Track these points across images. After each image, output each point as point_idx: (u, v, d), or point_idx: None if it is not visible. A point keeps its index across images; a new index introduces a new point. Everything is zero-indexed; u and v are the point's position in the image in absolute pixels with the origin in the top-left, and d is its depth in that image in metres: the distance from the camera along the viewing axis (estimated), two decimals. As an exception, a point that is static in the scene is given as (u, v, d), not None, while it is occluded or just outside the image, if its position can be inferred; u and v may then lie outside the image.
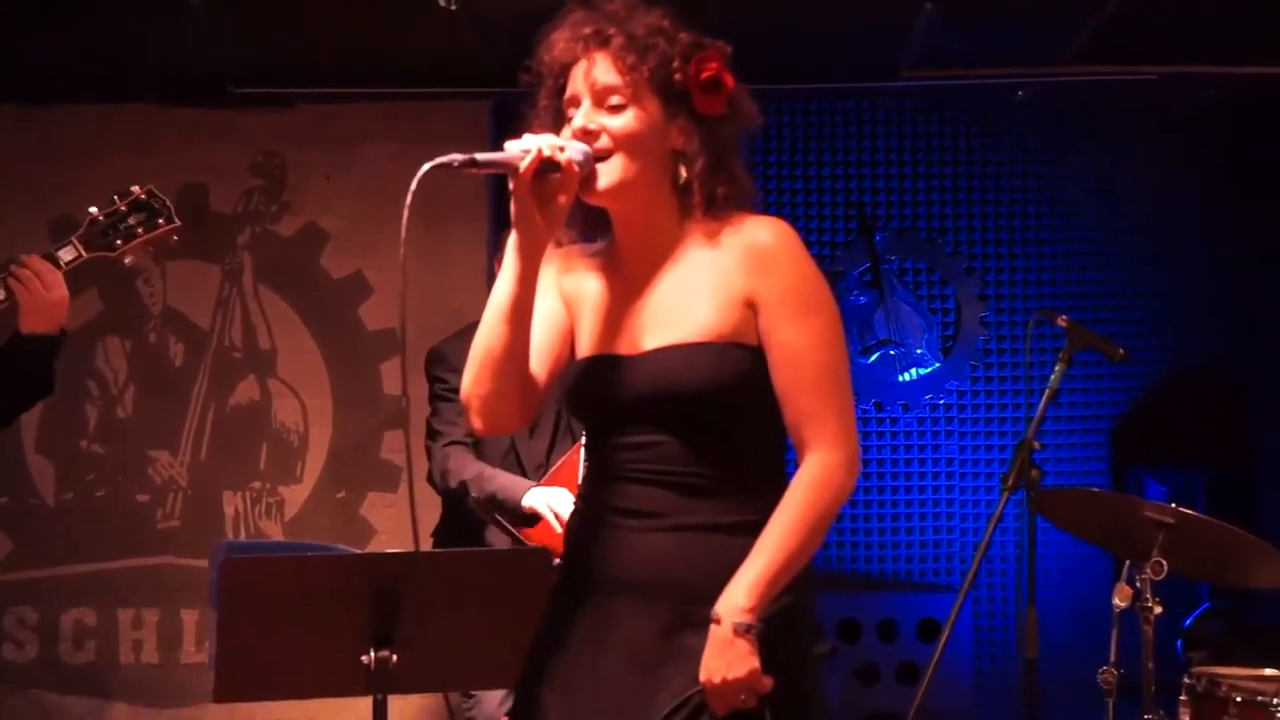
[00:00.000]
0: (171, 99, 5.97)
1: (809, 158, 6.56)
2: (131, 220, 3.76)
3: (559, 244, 2.63)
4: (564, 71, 2.53)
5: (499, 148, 2.46)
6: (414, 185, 2.38)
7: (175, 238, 3.83)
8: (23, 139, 5.99)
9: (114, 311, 6.02)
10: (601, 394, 2.54)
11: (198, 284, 6.06)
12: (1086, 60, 5.70)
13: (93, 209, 3.74)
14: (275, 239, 6.09)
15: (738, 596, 2.40)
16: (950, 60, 5.82)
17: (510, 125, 6.08)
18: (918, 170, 6.58)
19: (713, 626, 2.41)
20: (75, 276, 3.74)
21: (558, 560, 3.32)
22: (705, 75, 2.51)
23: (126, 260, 3.81)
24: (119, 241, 3.75)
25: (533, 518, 4.16)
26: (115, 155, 5.94)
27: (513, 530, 4.17)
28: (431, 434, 4.44)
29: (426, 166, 2.39)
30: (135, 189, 3.79)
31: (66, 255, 3.64)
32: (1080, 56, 5.64)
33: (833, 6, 5.22)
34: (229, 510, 6.00)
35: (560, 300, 2.64)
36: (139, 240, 3.76)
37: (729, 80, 2.53)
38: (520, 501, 4.17)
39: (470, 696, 4.41)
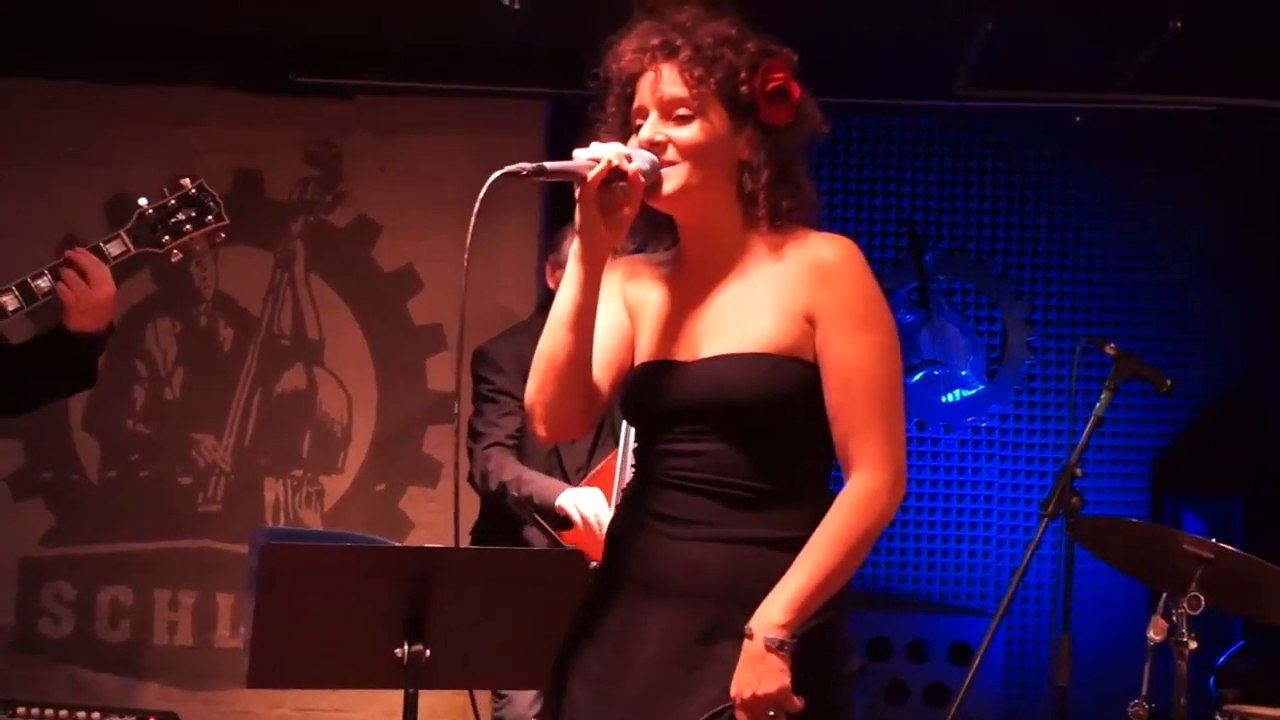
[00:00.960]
0: (231, 82, 6.02)
1: (861, 173, 6.55)
2: (181, 215, 3.77)
3: (619, 252, 2.65)
4: (631, 81, 2.55)
5: (568, 156, 2.48)
6: (483, 193, 2.40)
7: (223, 235, 3.85)
8: (83, 115, 6.04)
9: (166, 294, 6.06)
10: (655, 398, 2.55)
11: (250, 270, 6.10)
12: (1143, 88, 5.68)
13: (142, 201, 3.76)
14: (328, 229, 6.13)
15: (773, 612, 2.41)
16: (1007, 81, 5.81)
17: (566, 124, 6.12)
18: (969, 191, 6.56)
19: (746, 641, 2.41)
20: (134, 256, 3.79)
21: (594, 564, 3.35)
22: (772, 85, 2.52)
23: (173, 257, 3.82)
24: (167, 237, 3.76)
25: (564, 520, 4.17)
26: (173, 136, 5.99)
27: (551, 531, 4.18)
28: (474, 435, 4.46)
29: (496, 175, 2.42)
30: (186, 182, 3.80)
31: (114, 249, 3.65)
32: (1137, 84, 5.62)
33: (891, 21, 5.22)
34: (269, 497, 6.03)
35: (624, 308, 2.66)
36: (186, 237, 3.77)
37: (795, 89, 2.54)
38: (553, 503, 4.18)
39: (501, 696, 4.43)
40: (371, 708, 5.75)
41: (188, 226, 3.78)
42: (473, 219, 2.40)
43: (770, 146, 2.53)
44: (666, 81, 2.51)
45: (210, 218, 3.80)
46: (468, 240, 2.42)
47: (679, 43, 2.52)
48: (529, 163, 2.44)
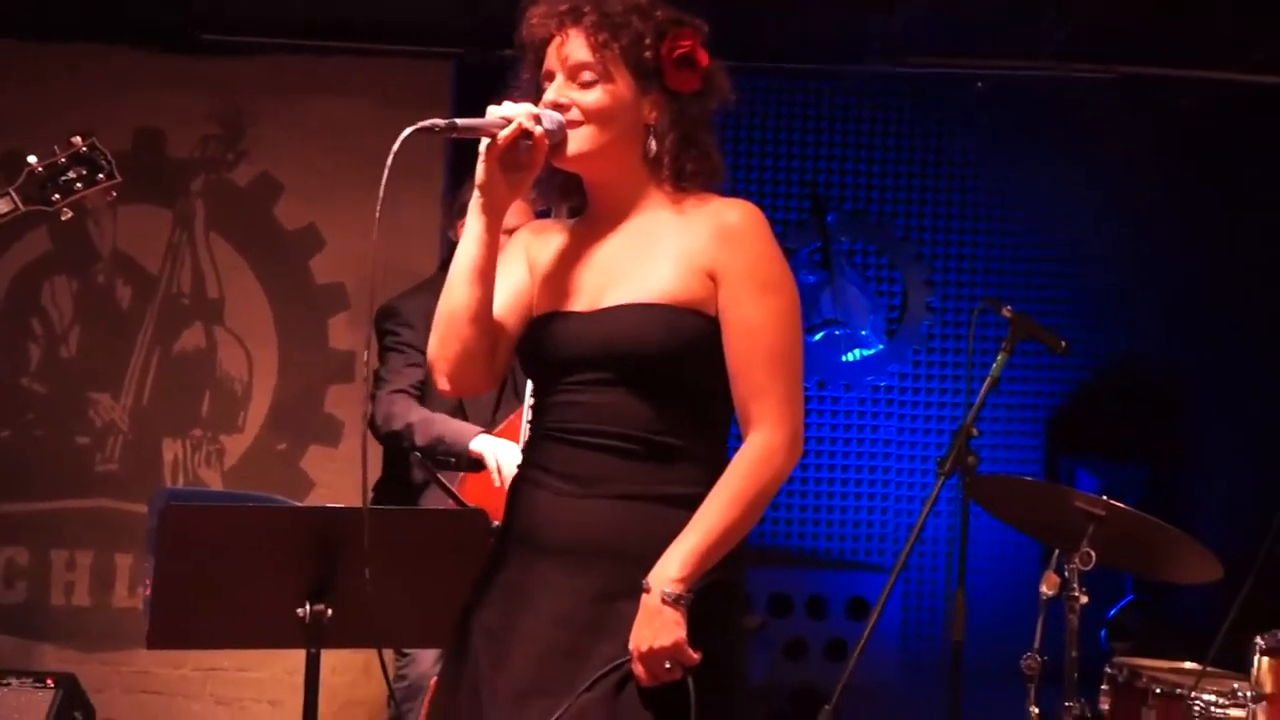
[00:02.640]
0: (135, 41, 5.93)
1: (765, 136, 6.58)
2: (71, 174, 3.73)
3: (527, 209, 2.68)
4: (541, 46, 2.59)
5: (471, 106, 2.50)
6: (395, 148, 2.41)
7: (114, 194, 3.80)
8: (-18, 71, 5.94)
9: (62, 251, 5.98)
10: (553, 348, 2.57)
11: (149, 228, 6.02)
12: (1047, 56, 5.75)
13: (31, 158, 3.71)
14: (229, 187, 6.07)
15: (670, 567, 2.44)
16: (912, 48, 5.86)
17: (472, 85, 6.09)
18: (873, 155, 6.62)
19: (643, 595, 2.44)
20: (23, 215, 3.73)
21: (496, 523, 3.36)
22: (678, 53, 2.56)
23: (64, 215, 3.78)
24: (56, 195, 3.72)
25: (475, 463, 4.14)
26: (74, 94, 5.90)
27: (452, 490, 4.17)
28: (378, 382, 4.43)
29: (409, 130, 2.42)
30: (77, 140, 3.75)
31: (2, 207, 3.61)
32: (1041, 52, 5.69)
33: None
34: (168, 456, 5.98)
35: (527, 268, 2.67)
36: (77, 195, 3.73)
37: (703, 58, 2.58)
38: (468, 445, 4.16)
39: (404, 655, 4.43)
40: (274, 667, 5.74)
41: (78, 185, 3.74)
42: (385, 174, 2.40)
43: (675, 112, 2.57)
44: (571, 46, 2.55)
45: (101, 176, 3.76)
46: (380, 194, 2.42)
47: (586, 8, 2.55)
48: (438, 119, 2.45)
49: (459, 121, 2.47)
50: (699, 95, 2.59)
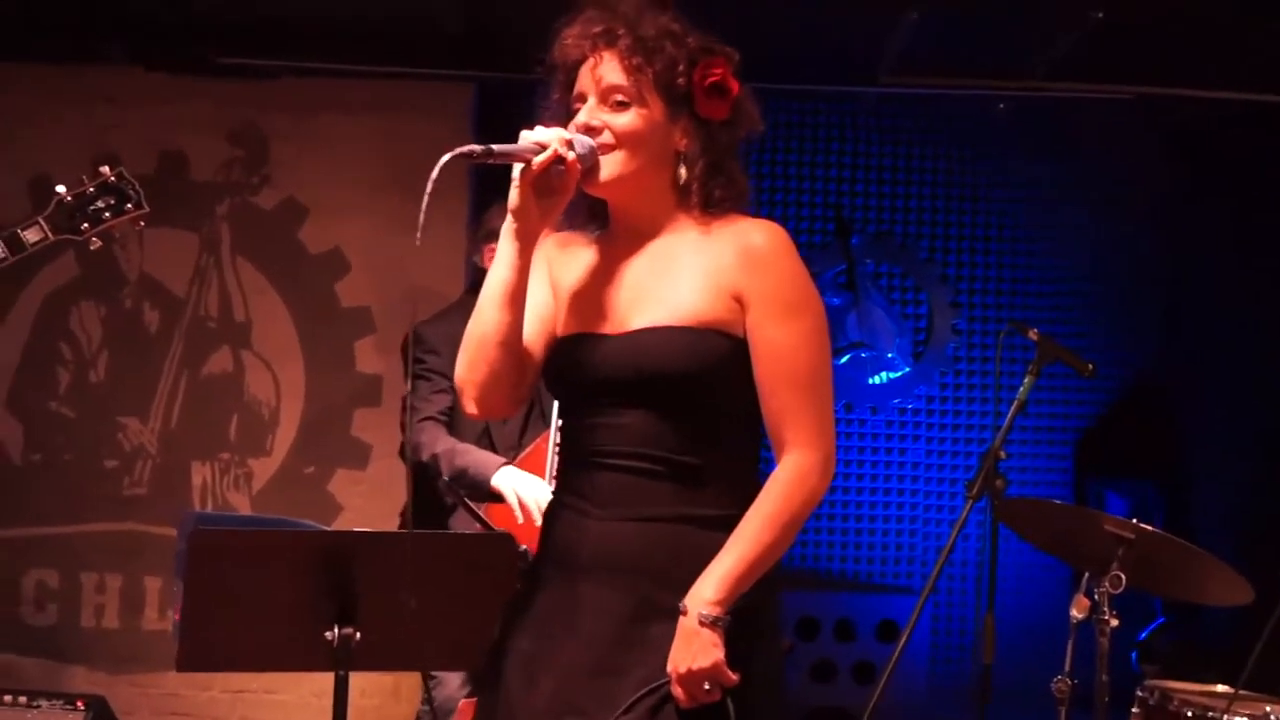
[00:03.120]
0: (154, 63, 5.96)
1: (789, 158, 6.59)
2: (100, 203, 3.75)
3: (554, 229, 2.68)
4: (574, 68, 2.59)
5: (496, 139, 2.51)
6: (434, 174, 2.41)
7: (143, 224, 3.82)
8: (5, 97, 5.96)
9: (90, 276, 6.00)
10: (580, 371, 2.57)
11: (175, 252, 6.05)
12: (1065, 77, 5.75)
13: (61, 188, 3.73)
14: (254, 210, 6.09)
15: (707, 589, 2.45)
16: (931, 69, 5.87)
17: (493, 107, 6.09)
18: (896, 176, 6.62)
19: (681, 617, 2.45)
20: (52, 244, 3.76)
21: (523, 547, 3.36)
22: (710, 81, 2.57)
23: (92, 245, 3.80)
24: (85, 225, 3.74)
25: (497, 496, 4.16)
26: (96, 118, 5.93)
27: (480, 515, 4.18)
28: (410, 411, 4.45)
29: (447, 157, 2.43)
30: (105, 170, 3.77)
31: (32, 236, 3.63)
32: (1059, 73, 5.69)
33: (816, 7, 5.25)
34: (197, 480, 5.99)
35: (549, 287, 2.68)
36: (105, 225, 3.75)
37: (734, 86, 2.59)
38: (490, 480, 4.17)
39: (432, 677, 4.43)
40: (301, 689, 5.74)
41: (107, 215, 3.76)
42: (425, 200, 2.41)
43: (705, 139, 2.58)
44: (606, 68, 2.55)
45: (130, 206, 3.78)
46: (420, 218, 2.43)
47: (620, 31, 2.56)
48: (475, 145, 2.46)
49: (495, 148, 2.48)
50: (728, 123, 2.60)
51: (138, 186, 3.82)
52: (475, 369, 2.59)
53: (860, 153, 6.63)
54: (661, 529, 2.51)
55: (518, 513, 4.03)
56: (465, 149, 2.45)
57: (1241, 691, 3.69)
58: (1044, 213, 6.64)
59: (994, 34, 5.50)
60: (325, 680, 3.18)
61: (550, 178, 2.51)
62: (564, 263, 2.68)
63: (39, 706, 4.76)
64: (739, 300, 2.53)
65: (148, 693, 5.82)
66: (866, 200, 6.64)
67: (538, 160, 2.48)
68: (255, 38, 5.84)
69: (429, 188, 2.41)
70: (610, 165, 2.54)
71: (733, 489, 2.53)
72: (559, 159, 2.49)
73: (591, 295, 2.62)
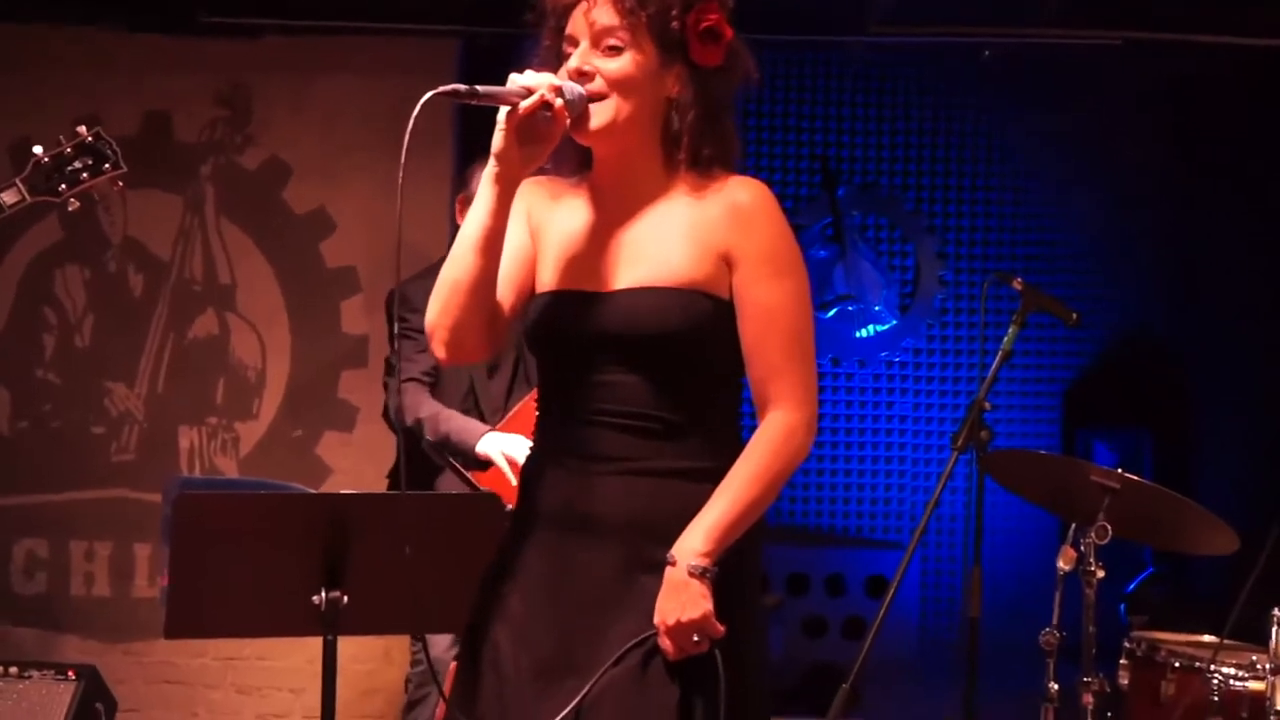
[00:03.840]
0: (138, 24, 5.91)
1: (774, 109, 6.57)
2: (77, 164, 3.73)
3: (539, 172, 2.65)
4: (565, 12, 2.56)
5: (498, 83, 2.47)
6: (416, 111, 2.37)
7: (121, 184, 3.80)
8: (-17, 57, 5.93)
9: (73, 240, 5.97)
10: (567, 329, 2.56)
11: (159, 214, 6.01)
12: (1052, 23, 5.72)
13: (38, 149, 3.71)
14: (238, 171, 6.05)
15: (694, 541, 2.45)
16: (918, 17, 5.83)
17: (478, 63, 6.04)
18: (882, 127, 6.60)
19: (668, 569, 2.45)
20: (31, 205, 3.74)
21: (510, 507, 3.35)
22: (704, 25, 2.53)
23: (70, 205, 3.78)
24: (63, 186, 3.73)
25: (483, 463, 4.16)
26: (79, 79, 5.88)
27: (467, 476, 4.18)
28: (389, 370, 4.44)
29: (429, 94, 2.39)
30: (82, 130, 3.76)
31: (9, 198, 3.62)
32: (1046, 19, 5.66)
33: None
34: (184, 445, 5.98)
35: (528, 231, 2.65)
36: (83, 186, 3.74)
37: (728, 31, 2.56)
38: (474, 447, 4.17)
39: (419, 639, 4.44)
40: (293, 655, 5.75)
41: (84, 175, 3.75)
42: (406, 138, 2.36)
43: (698, 87, 2.54)
44: (598, 12, 2.51)
45: (107, 165, 3.77)
46: (403, 158, 2.39)
47: None
48: (459, 85, 2.42)
49: (480, 89, 2.43)
50: (722, 70, 2.57)
51: (115, 146, 3.81)
52: (447, 313, 2.57)
53: (846, 103, 6.61)
54: (648, 483, 2.51)
55: (510, 475, 4.03)
56: (449, 87, 2.41)
57: (1227, 641, 3.71)
58: (1031, 163, 6.63)
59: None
60: (317, 645, 3.19)
61: (536, 123, 2.47)
62: (546, 212, 2.66)
63: (30, 677, 4.76)
64: (725, 259, 2.53)
65: (140, 661, 5.83)
66: (853, 152, 6.62)
67: (524, 105, 2.44)
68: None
69: (410, 125, 2.36)
70: (601, 113, 2.52)
71: (717, 444, 2.54)
72: (546, 105, 2.46)
73: (576, 250, 2.60)
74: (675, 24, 2.52)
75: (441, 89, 2.40)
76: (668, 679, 2.45)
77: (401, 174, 2.42)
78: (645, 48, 2.52)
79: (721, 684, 2.44)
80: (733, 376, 2.57)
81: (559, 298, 2.59)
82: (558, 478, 2.56)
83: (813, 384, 2.56)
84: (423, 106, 2.37)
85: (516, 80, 2.46)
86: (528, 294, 2.64)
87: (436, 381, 4.39)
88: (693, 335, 2.50)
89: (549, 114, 2.47)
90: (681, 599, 2.43)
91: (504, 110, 2.46)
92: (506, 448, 4.09)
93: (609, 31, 2.51)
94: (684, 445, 2.52)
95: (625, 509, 2.50)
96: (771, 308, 2.52)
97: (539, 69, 2.52)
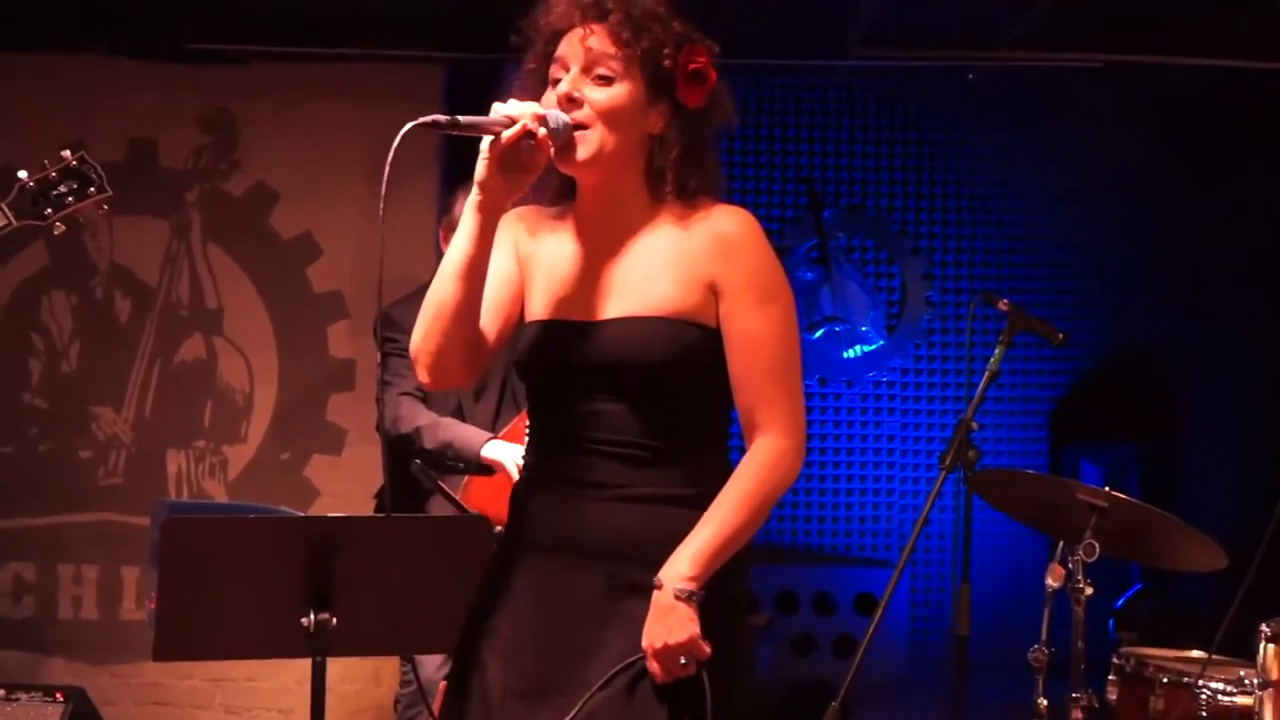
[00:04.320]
0: (123, 50, 5.92)
1: (760, 132, 6.59)
2: (62, 188, 3.74)
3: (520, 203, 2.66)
4: (555, 38, 2.57)
5: (481, 111, 2.48)
6: (396, 142, 2.39)
7: (105, 207, 3.81)
8: (-34, 86, 5.94)
9: (59, 265, 5.98)
10: (556, 359, 2.58)
11: (145, 240, 6.02)
12: (1034, 45, 5.75)
13: (22, 174, 3.72)
14: (224, 197, 6.06)
15: (681, 565, 2.47)
16: (900, 40, 5.86)
17: (463, 89, 6.05)
18: (867, 149, 6.63)
19: (655, 592, 2.47)
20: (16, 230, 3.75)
21: (498, 529, 3.36)
22: (693, 67, 2.56)
23: (56, 230, 3.79)
24: (48, 210, 3.74)
25: (484, 467, 4.14)
26: (65, 104, 5.90)
27: (455, 498, 4.17)
28: (382, 385, 4.42)
29: (410, 125, 2.41)
30: (67, 154, 3.77)
31: None
32: (1028, 41, 5.69)
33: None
34: (172, 468, 5.98)
35: (515, 260, 2.67)
36: (68, 210, 3.75)
37: (712, 75, 2.58)
38: (478, 452, 4.15)
39: (409, 659, 4.43)
40: (282, 676, 5.74)
41: (69, 199, 3.75)
42: (387, 169, 2.39)
43: (681, 125, 2.57)
44: (594, 39, 2.53)
45: (93, 190, 3.77)
46: (383, 188, 2.41)
47: (610, 5, 2.55)
48: (440, 115, 2.44)
49: (462, 119, 2.45)
50: (704, 113, 2.60)
51: (100, 170, 3.82)
52: (430, 338, 2.58)
53: (831, 125, 6.64)
54: (636, 509, 2.52)
55: (514, 476, 4.01)
56: (429, 118, 2.43)
57: (1215, 656, 3.71)
58: (1016, 184, 6.66)
59: (963, 4, 5.50)
60: (305, 667, 3.18)
61: (519, 152, 2.49)
62: (534, 242, 2.67)
63: (18, 699, 4.75)
64: (712, 288, 2.55)
65: (128, 683, 5.82)
66: (838, 174, 6.64)
67: (507, 134, 2.45)
68: (225, 23, 5.81)
69: (390, 155, 2.39)
70: (587, 144, 2.53)
71: (704, 470, 2.55)
72: (529, 134, 2.47)
73: (564, 280, 2.62)
74: (667, 61, 2.54)
75: (422, 120, 2.42)
76: (656, 702, 2.46)
77: (383, 206, 2.44)
78: (635, 81, 2.54)
79: (709, 706, 2.44)
80: (720, 403, 2.58)
81: (548, 327, 2.60)
82: (547, 503, 2.58)
83: (800, 410, 2.57)
84: (403, 138, 2.38)
85: (500, 109, 2.47)
86: (514, 322, 2.66)
87: (425, 400, 4.39)
88: (680, 364, 2.52)
89: (532, 143, 2.48)
90: (669, 622, 2.45)
91: (487, 139, 2.47)
92: (516, 456, 4.07)
93: (602, 60, 2.53)
94: (672, 471, 2.54)
95: (613, 534, 2.52)
96: (758, 336, 2.53)
97: (521, 93, 2.53)
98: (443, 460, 4.19)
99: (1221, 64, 5.76)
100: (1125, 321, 6.64)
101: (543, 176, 2.57)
